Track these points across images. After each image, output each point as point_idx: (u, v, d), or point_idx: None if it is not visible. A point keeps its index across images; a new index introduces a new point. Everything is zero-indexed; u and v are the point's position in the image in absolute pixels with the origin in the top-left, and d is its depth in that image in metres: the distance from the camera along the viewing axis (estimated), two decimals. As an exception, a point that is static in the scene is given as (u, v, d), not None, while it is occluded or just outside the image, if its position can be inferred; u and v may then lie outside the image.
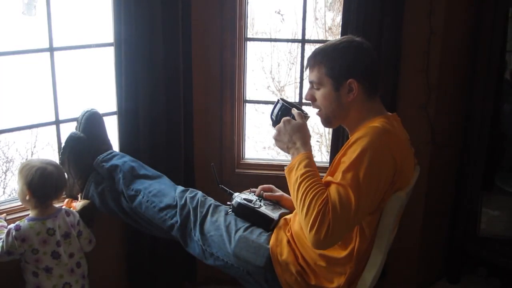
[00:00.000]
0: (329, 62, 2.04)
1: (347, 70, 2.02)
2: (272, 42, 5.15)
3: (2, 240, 2.31)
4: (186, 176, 3.01)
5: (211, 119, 3.16)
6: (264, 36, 4.66)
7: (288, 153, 2.09)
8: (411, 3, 2.86)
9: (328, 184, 1.89)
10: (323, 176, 2.04)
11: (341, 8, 2.87)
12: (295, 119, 2.08)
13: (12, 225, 2.35)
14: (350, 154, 1.89)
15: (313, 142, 5.03)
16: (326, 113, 2.11)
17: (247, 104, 3.24)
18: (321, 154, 5.03)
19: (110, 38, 2.76)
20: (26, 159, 4.28)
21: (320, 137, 5.04)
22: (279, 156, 4.75)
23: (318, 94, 2.09)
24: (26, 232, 2.32)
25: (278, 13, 4.97)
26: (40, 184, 2.35)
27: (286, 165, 2.08)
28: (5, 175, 4.25)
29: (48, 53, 2.66)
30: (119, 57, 2.75)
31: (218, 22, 3.02)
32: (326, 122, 2.16)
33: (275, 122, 2.17)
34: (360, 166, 1.84)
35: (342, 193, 1.82)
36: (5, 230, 2.35)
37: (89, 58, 2.92)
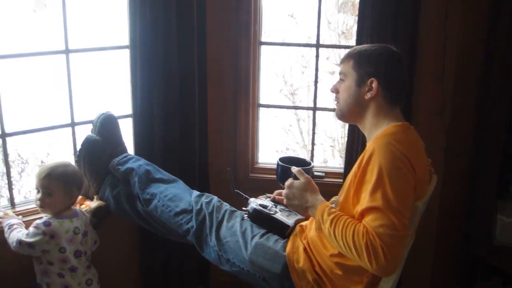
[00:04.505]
0: (359, 58, 2.08)
1: (372, 68, 2.05)
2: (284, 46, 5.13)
3: (25, 232, 2.33)
4: (200, 180, 3.01)
5: (225, 123, 3.16)
6: (277, 39, 4.63)
7: (307, 212, 2.11)
8: (426, 8, 2.85)
9: (361, 214, 1.87)
10: (338, 181, 2.04)
11: (352, 10, 2.86)
12: (297, 178, 2.12)
13: (39, 221, 2.35)
14: (370, 173, 1.86)
15: (326, 147, 5.08)
16: (342, 105, 2.14)
17: (260, 108, 3.25)
18: (333, 159, 5.01)
19: (126, 41, 2.79)
20: (42, 162, 4.27)
21: (333, 141, 5.02)
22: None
23: (342, 86, 2.13)
24: (56, 229, 2.34)
25: (291, 16, 4.96)
26: None
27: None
28: (20, 176, 4.23)
29: (64, 55, 2.68)
30: (134, 60, 2.76)
31: (232, 26, 3.03)
32: (339, 114, 2.18)
33: (281, 182, 2.26)
34: (384, 182, 1.82)
35: (377, 215, 1.79)
36: (23, 226, 2.40)
37: (104, 61, 2.92)
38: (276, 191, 2.46)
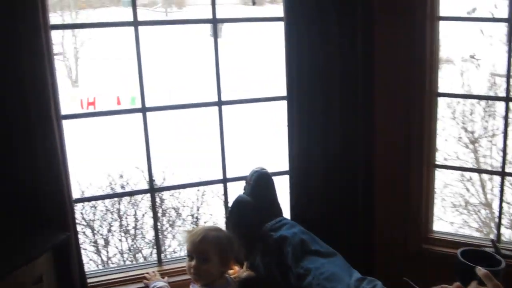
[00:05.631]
0: None
1: None
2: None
3: None
4: (364, 253, 2.71)
5: (395, 183, 2.80)
6: (455, 84, 4.14)
7: None
8: None
9: None
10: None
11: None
12: (482, 282, 1.65)
13: None
14: None
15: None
16: None
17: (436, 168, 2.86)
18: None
19: (283, 91, 2.61)
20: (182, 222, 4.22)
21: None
22: (474, 221, 4.18)
23: None
24: None
25: (473, 57, 4.46)
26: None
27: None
28: (172, 228, 4.19)
29: (216, 107, 2.62)
30: (291, 112, 2.59)
31: (404, 74, 2.68)
32: None
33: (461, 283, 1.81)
34: None
35: None
36: None
37: (261, 112, 2.75)
38: (455, 284, 2.01)
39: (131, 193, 4.00)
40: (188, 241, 2.24)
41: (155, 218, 2.74)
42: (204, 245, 2.20)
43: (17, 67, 2.09)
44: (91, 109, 7.86)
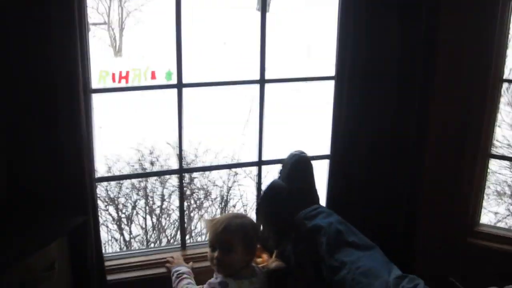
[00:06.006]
0: None
1: None
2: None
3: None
4: (404, 247, 2.57)
5: (444, 173, 2.67)
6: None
7: None
8: None
9: None
10: None
11: None
12: None
13: (214, 280, 2.12)
14: None
15: None
16: None
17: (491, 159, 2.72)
18: None
19: (332, 71, 2.47)
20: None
21: None
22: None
23: None
24: None
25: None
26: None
27: None
28: (199, 210, 4.07)
29: (258, 85, 2.47)
30: (339, 93, 2.45)
31: (468, 58, 2.53)
32: None
33: None
34: None
35: None
36: (192, 277, 2.25)
37: (307, 93, 2.62)
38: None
39: (158, 173, 3.92)
40: (209, 230, 2.14)
41: (181, 200, 2.63)
42: (227, 235, 2.09)
43: (45, 38, 1.94)
44: (123, 83, 7.74)
